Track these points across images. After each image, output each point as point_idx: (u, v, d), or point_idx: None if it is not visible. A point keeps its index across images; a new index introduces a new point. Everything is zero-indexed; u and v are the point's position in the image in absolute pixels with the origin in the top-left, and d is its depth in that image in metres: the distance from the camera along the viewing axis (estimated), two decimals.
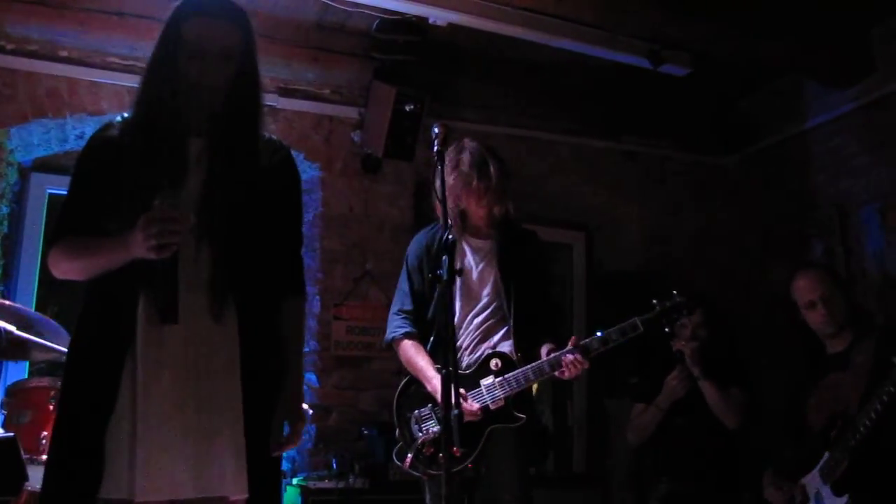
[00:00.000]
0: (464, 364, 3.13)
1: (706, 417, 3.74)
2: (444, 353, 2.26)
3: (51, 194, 4.56)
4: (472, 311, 3.18)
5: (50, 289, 4.56)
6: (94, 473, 1.84)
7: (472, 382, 3.06)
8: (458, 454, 2.75)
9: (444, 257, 2.38)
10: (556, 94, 5.20)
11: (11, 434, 2.92)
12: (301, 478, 4.13)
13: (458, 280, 3.18)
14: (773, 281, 5.03)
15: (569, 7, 4.06)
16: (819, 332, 3.37)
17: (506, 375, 3.03)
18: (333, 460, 4.22)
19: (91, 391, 1.91)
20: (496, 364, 3.07)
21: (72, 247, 2.03)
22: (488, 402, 3.02)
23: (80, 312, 2.03)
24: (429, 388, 3.02)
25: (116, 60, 4.30)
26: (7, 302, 3.57)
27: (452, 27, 4.16)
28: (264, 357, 2.04)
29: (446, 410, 2.15)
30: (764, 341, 5.00)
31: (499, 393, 3.02)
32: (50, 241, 2.07)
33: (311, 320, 4.59)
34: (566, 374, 2.98)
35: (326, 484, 3.95)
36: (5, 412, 3.31)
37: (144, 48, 4.08)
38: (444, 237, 2.46)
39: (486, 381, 3.05)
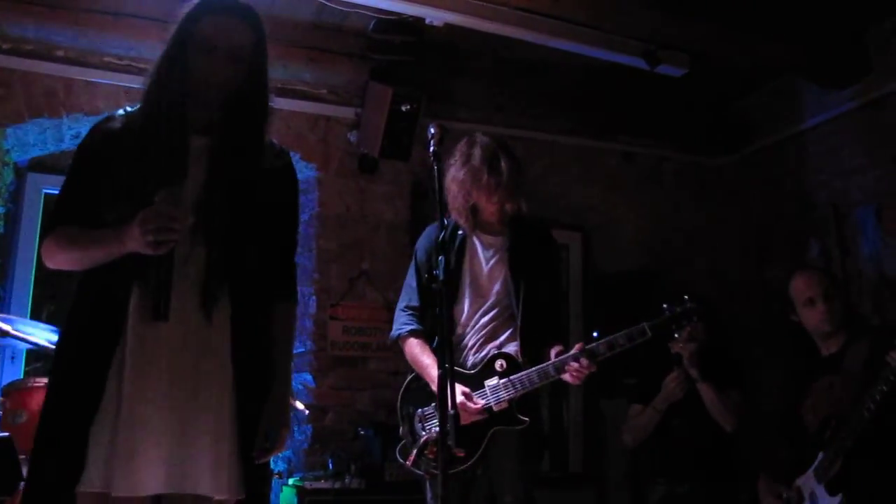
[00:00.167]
0: (469, 363, 3.09)
1: (703, 419, 3.74)
2: (441, 354, 2.25)
3: (47, 194, 4.55)
4: (480, 308, 3.13)
5: (46, 289, 4.56)
6: (74, 467, 1.83)
7: (476, 383, 3.02)
8: (461, 455, 2.75)
9: (440, 257, 2.33)
10: (552, 95, 5.20)
11: (7, 434, 2.92)
12: (297, 478, 4.13)
13: (467, 277, 3.16)
14: (770, 281, 5.03)
15: (565, 7, 4.06)
16: (815, 331, 3.37)
17: (511, 377, 2.99)
18: (330, 460, 4.22)
19: (78, 386, 1.90)
20: (501, 365, 3.03)
21: (66, 237, 2.01)
22: (492, 404, 2.98)
23: (70, 306, 2.02)
24: (433, 386, 2.98)
25: (113, 60, 4.30)
26: None
27: (449, 27, 4.15)
28: (254, 359, 2.03)
29: (442, 410, 2.13)
30: (760, 342, 5.01)
31: (503, 394, 2.98)
32: (44, 231, 2.06)
33: (307, 320, 4.60)
34: (571, 378, 2.94)
35: (323, 484, 3.95)
36: (1, 412, 3.30)
37: (141, 48, 4.17)
38: (441, 236, 2.43)
39: (491, 381, 3.01)
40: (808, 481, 3.15)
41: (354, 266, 4.70)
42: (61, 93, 4.23)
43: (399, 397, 3.21)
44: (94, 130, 2.09)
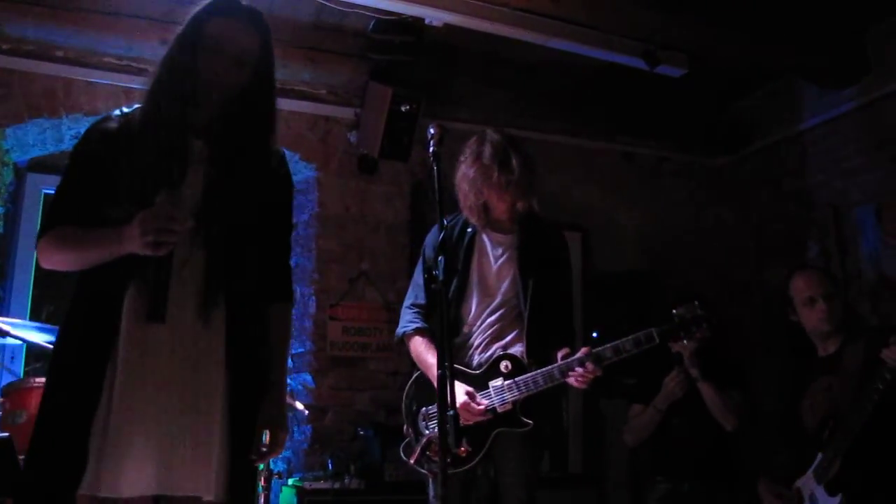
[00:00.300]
0: (474, 363, 3.06)
1: (704, 419, 3.74)
2: (441, 354, 2.24)
3: (46, 194, 4.55)
4: (487, 308, 3.09)
5: (45, 289, 4.56)
6: (75, 470, 1.82)
7: (481, 383, 2.99)
8: (463, 454, 2.73)
9: (439, 258, 2.32)
10: (552, 95, 5.20)
11: (7, 434, 2.92)
12: (297, 478, 4.13)
13: (475, 275, 3.12)
14: (769, 282, 5.04)
15: (565, 8, 4.06)
16: (814, 331, 3.37)
17: (515, 379, 2.95)
18: (329, 461, 4.22)
19: (75, 388, 1.89)
20: (506, 366, 2.99)
21: (63, 237, 2.00)
22: (496, 405, 2.96)
23: (68, 307, 2.01)
24: (436, 385, 2.99)
25: (112, 60, 4.30)
26: None
27: (448, 28, 4.15)
28: (250, 360, 2.03)
29: (441, 411, 2.13)
30: (759, 342, 5.01)
31: (507, 396, 2.95)
32: (41, 231, 2.04)
33: (306, 320, 4.60)
34: (576, 382, 2.91)
35: (322, 484, 3.95)
36: (1, 412, 3.30)
37: (140, 48, 4.17)
38: (441, 237, 2.42)
39: (495, 383, 2.98)
40: (807, 482, 3.16)
41: (354, 266, 4.70)
42: (61, 93, 4.23)
43: (404, 394, 3.18)
44: (90, 131, 2.08)
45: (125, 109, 2.11)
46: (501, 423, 2.97)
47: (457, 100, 5.02)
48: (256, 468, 2.15)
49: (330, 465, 4.19)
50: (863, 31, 4.62)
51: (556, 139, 5.32)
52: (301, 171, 4.76)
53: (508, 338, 3.07)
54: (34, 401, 3.26)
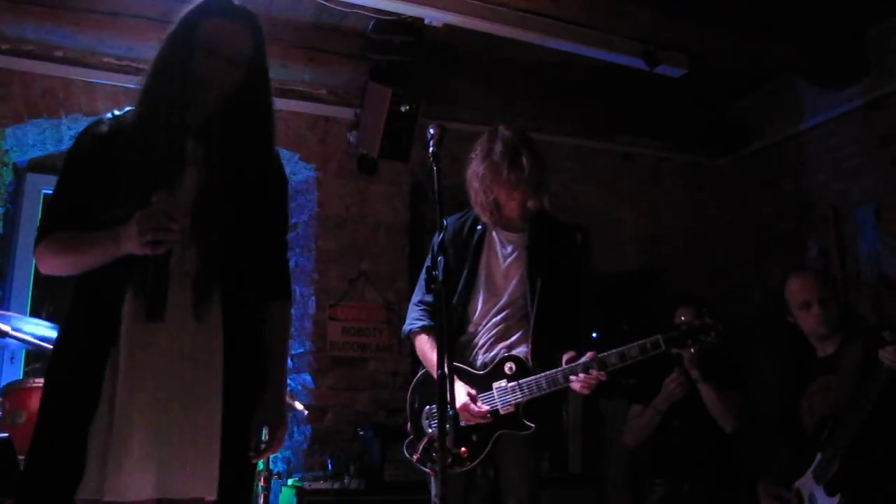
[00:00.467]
0: (479, 363, 3.03)
1: (704, 420, 3.74)
2: (441, 354, 2.23)
3: (46, 194, 4.55)
4: (493, 307, 3.05)
5: (45, 289, 4.55)
6: (74, 473, 1.82)
7: (484, 384, 2.97)
8: (463, 454, 2.72)
9: (439, 258, 2.31)
10: (551, 95, 5.20)
11: (6, 435, 2.92)
12: (296, 478, 4.13)
13: (483, 274, 3.09)
14: (768, 282, 5.04)
15: (564, 8, 4.06)
16: (811, 334, 3.37)
17: (519, 381, 2.92)
18: (329, 461, 4.22)
19: (74, 389, 1.89)
20: (510, 368, 2.96)
21: (60, 242, 2.00)
22: (498, 407, 2.93)
23: (67, 309, 2.01)
24: (437, 385, 2.97)
25: (112, 60, 4.30)
26: None
27: (448, 28, 4.16)
28: (247, 359, 2.03)
29: (441, 411, 2.12)
30: (758, 342, 5.01)
31: (509, 398, 2.92)
32: (37, 238, 2.03)
33: (306, 321, 4.60)
34: (580, 386, 2.88)
35: (322, 485, 3.95)
36: (1, 413, 3.30)
37: (140, 48, 4.17)
38: (438, 237, 2.41)
39: (499, 384, 2.95)
40: (807, 483, 3.15)
41: (353, 266, 4.69)
42: (60, 93, 4.23)
43: (409, 390, 3.16)
44: (84, 134, 2.08)
45: (116, 112, 2.10)
46: (503, 426, 2.95)
47: (456, 100, 5.02)
48: (255, 467, 2.14)
49: (330, 466, 4.19)
50: (863, 32, 4.63)
51: (555, 139, 5.31)
52: (301, 171, 4.76)
53: (513, 338, 3.04)
54: (34, 401, 3.25)
